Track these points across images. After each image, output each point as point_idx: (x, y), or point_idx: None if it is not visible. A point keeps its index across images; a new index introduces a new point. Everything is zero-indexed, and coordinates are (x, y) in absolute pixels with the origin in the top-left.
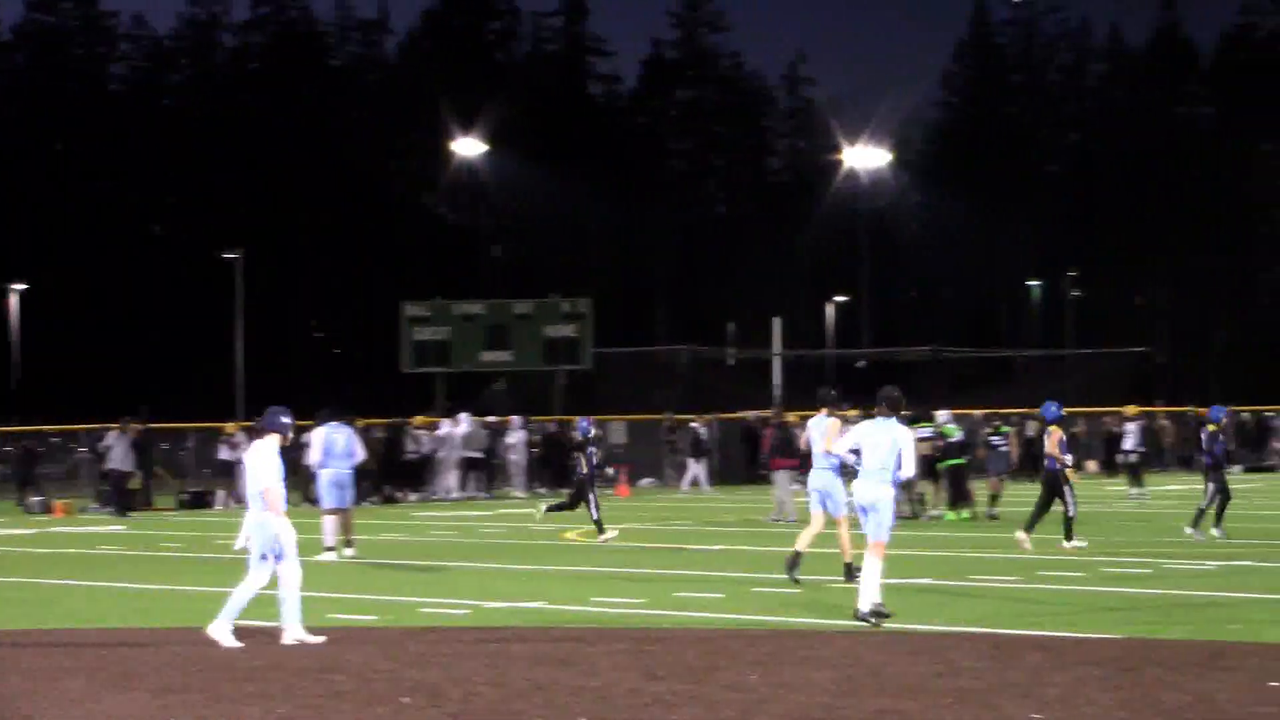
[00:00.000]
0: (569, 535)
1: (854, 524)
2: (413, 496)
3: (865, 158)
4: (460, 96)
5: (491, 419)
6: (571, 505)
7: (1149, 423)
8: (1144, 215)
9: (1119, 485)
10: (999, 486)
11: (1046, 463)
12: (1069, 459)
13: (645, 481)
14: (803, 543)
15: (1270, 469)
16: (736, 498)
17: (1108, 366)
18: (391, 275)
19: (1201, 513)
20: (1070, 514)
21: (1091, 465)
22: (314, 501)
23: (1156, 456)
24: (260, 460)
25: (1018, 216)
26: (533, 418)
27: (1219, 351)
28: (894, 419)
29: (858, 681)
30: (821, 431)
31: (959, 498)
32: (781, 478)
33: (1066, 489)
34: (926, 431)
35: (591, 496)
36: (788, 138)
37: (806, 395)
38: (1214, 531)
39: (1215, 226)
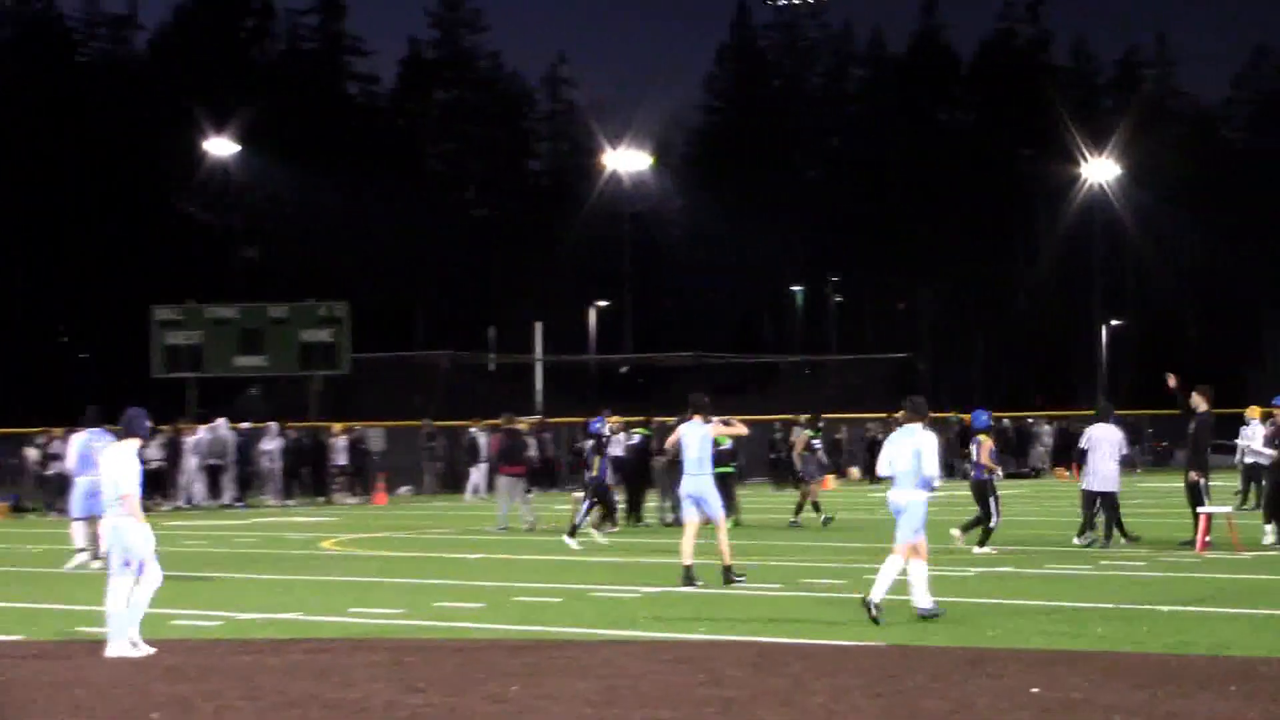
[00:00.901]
0: (327, 544)
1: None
2: (165, 506)
3: (627, 160)
4: (213, 95)
5: (245, 425)
6: (606, 509)
7: None
8: (905, 220)
9: (883, 492)
10: (814, 492)
11: (974, 471)
12: (999, 469)
13: (403, 489)
14: (687, 554)
15: (1033, 474)
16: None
17: (870, 372)
18: (141, 278)
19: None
20: (991, 524)
21: (854, 472)
22: (63, 511)
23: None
24: (120, 464)
25: (780, 221)
26: (288, 424)
27: (981, 357)
28: (919, 425)
29: (619, 691)
30: (699, 437)
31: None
32: (505, 484)
33: (993, 499)
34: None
35: (588, 502)
36: (549, 140)
37: (569, 401)
38: (968, 543)
39: (976, 232)
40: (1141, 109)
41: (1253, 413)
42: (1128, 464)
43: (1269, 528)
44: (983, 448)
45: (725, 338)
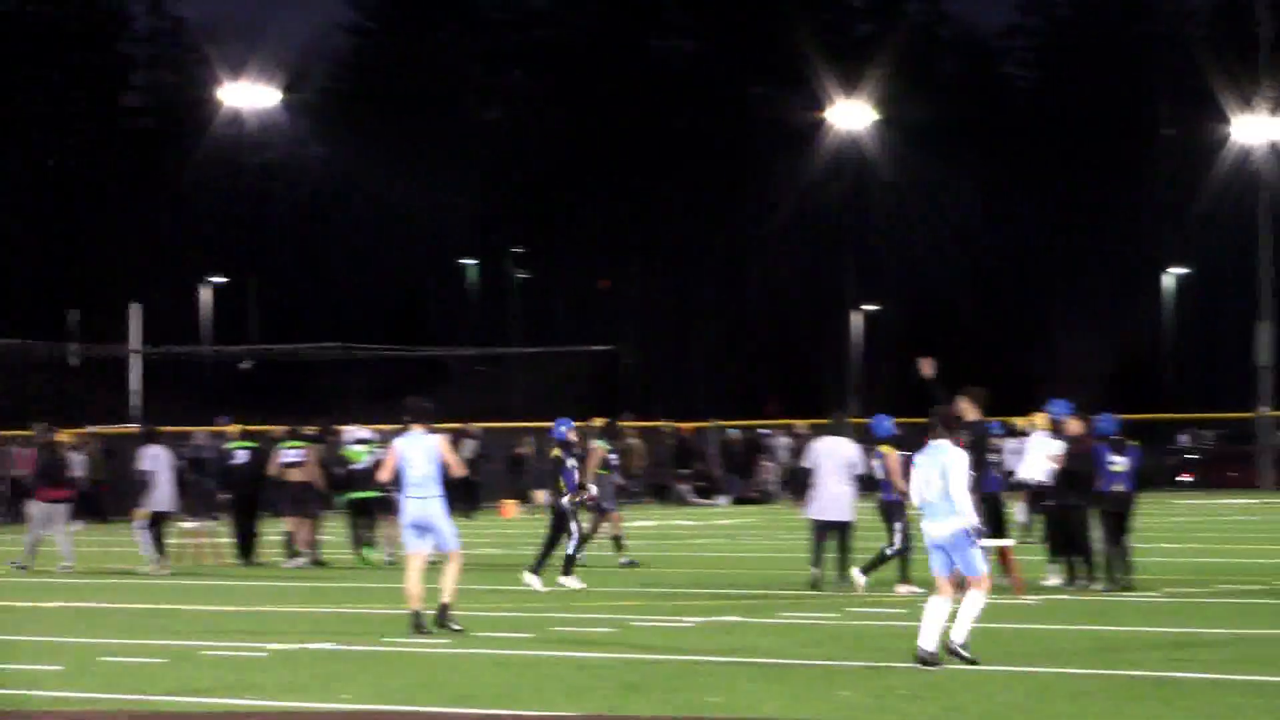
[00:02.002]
0: None
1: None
2: None
3: (251, 96)
4: None
5: None
6: (556, 539)
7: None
8: (607, 176)
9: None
10: (618, 523)
11: (882, 492)
12: (910, 487)
13: None
14: (414, 598)
15: (761, 499)
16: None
17: (564, 369)
18: None
19: (885, 558)
20: (889, 551)
21: (540, 496)
22: None
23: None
24: None
25: (448, 176)
26: None
27: (705, 349)
28: (947, 441)
29: None
30: (422, 451)
31: (367, 536)
32: (42, 512)
33: (899, 523)
34: (294, 455)
35: (574, 525)
36: (148, 68)
37: (177, 404)
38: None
39: (696, 191)
40: (904, 39)
41: (1036, 421)
42: (867, 486)
43: (1053, 567)
44: (889, 461)
45: (379, 325)
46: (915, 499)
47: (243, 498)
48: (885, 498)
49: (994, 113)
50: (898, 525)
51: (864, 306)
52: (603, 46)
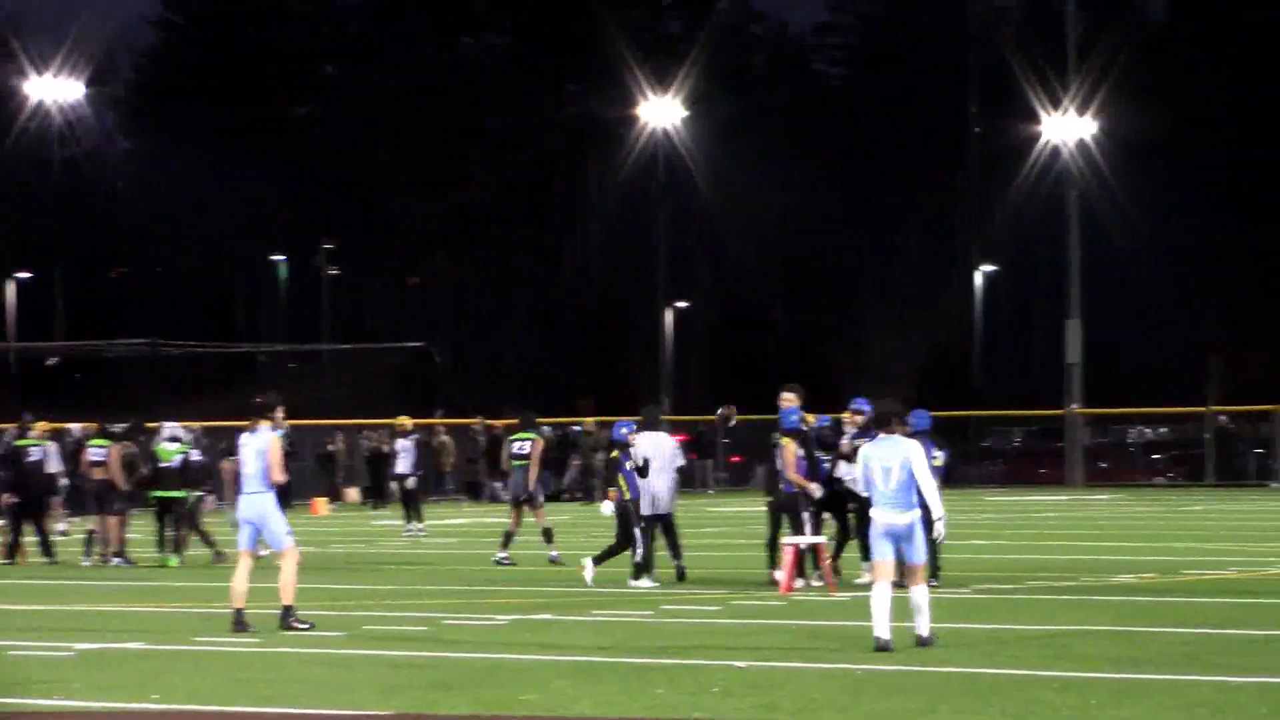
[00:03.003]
0: None
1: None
2: None
3: (56, 90)
4: None
5: None
6: (622, 545)
7: (428, 439)
8: (419, 172)
9: (390, 518)
10: (541, 517)
11: (783, 484)
12: (815, 486)
13: None
14: (238, 596)
15: (573, 496)
16: None
17: (375, 366)
18: None
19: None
20: (803, 545)
21: (352, 493)
22: None
23: (437, 482)
24: None
25: (258, 171)
26: None
27: (517, 347)
28: (899, 435)
29: None
30: (257, 449)
31: (179, 539)
32: None
33: (805, 513)
34: (98, 453)
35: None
36: None
37: None
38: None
39: (510, 187)
40: (715, 35)
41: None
42: (687, 479)
43: (867, 565)
44: (787, 453)
45: (189, 321)
46: (864, 490)
47: (33, 498)
48: (787, 489)
49: (805, 110)
50: (806, 515)
51: (676, 304)
52: (415, 42)
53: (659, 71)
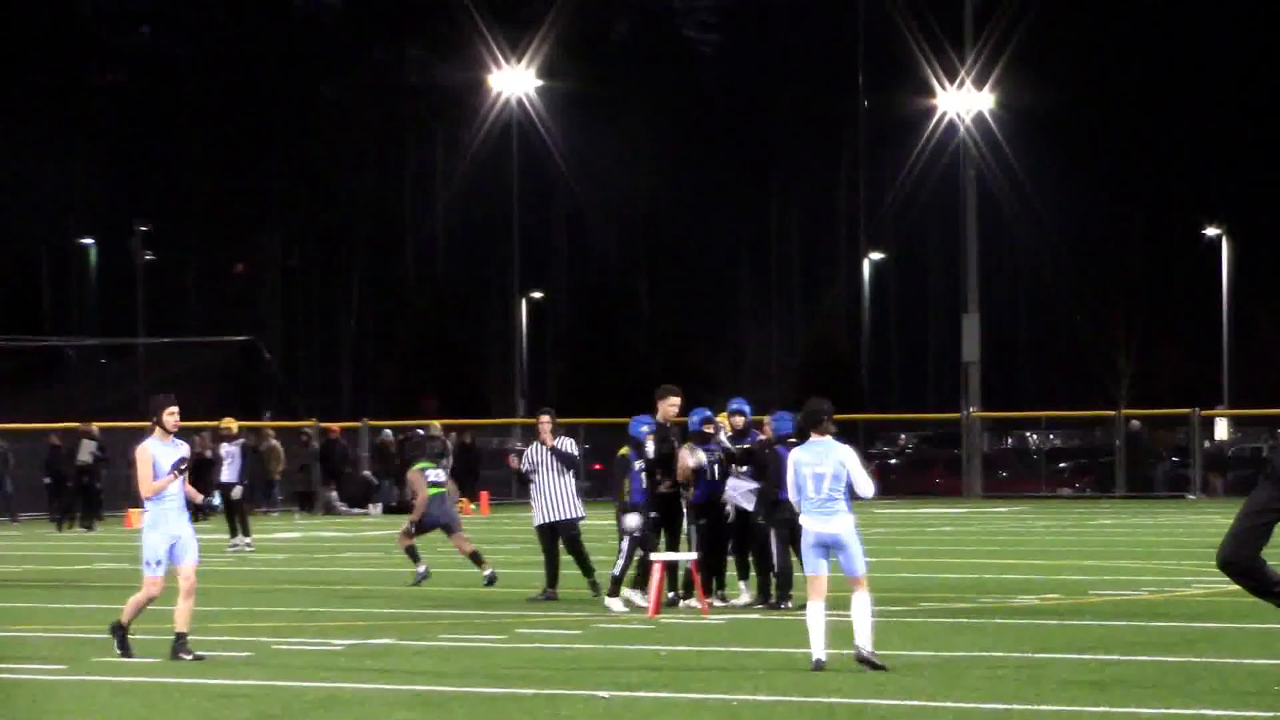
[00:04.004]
0: None
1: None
2: None
3: None
4: None
5: None
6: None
7: (255, 443)
8: (242, 146)
9: (214, 531)
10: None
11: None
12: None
13: None
14: (129, 611)
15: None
16: None
17: (196, 362)
18: None
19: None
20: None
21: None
22: None
23: (265, 491)
24: None
25: (64, 145)
26: None
27: (352, 341)
28: (830, 437)
29: None
30: (168, 460)
31: None
32: None
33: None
34: None
35: (627, 542)
36: None
37: None
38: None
39: (323, 162)
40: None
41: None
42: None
43: (744, 583)
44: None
45: None
46: (793, 496)
47: None
48: (697, 496)
49: (674, 81)
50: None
51: (532, 294)
52: (242, 1)
53: (511, 37)
